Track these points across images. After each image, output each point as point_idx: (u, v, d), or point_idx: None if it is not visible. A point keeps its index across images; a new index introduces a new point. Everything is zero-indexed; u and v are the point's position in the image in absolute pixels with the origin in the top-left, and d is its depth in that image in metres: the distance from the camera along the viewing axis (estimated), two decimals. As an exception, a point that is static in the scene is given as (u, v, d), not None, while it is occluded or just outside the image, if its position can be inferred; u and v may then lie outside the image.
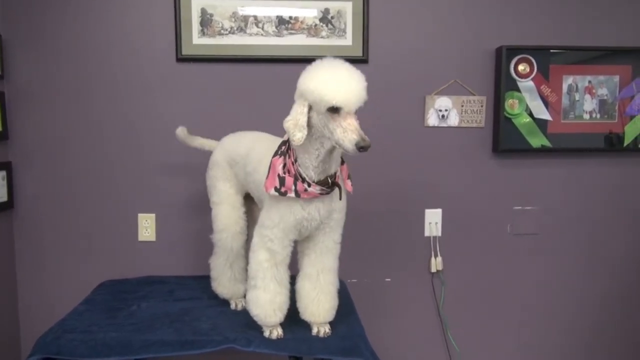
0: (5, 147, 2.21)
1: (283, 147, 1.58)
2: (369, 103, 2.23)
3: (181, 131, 2.06)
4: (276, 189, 1.54)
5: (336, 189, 1.58)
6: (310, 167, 1.52)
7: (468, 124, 2.32)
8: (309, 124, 1.47)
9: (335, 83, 1.40)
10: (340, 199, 1.60)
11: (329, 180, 1.54)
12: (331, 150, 1.51)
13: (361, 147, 1.38)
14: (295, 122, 1.45)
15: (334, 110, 1.40)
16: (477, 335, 2.43)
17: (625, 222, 2.43)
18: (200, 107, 2.24)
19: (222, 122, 2.21)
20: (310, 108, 1.46)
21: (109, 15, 2.20)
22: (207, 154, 2.22)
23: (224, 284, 1.93)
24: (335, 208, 1.62)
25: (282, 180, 1.53)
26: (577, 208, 2.40)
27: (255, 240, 1.66)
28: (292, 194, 1.53)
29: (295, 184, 1.52)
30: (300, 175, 1.53)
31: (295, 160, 1.54)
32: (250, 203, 1.94)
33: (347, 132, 1.39)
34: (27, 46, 2.19)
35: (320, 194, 1.54)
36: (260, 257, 1.63)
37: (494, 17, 2.29)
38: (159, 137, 2.25)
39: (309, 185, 1.52)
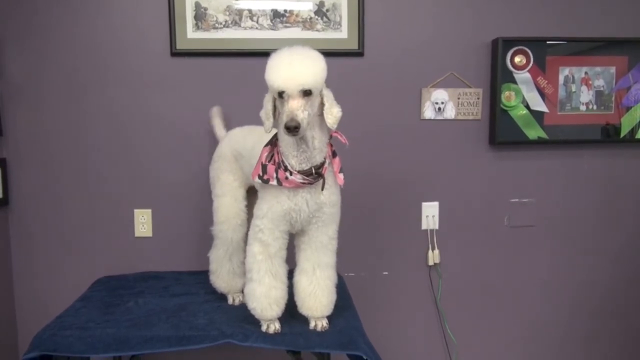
0: (0, 144, 2.21)
1: (274, 138, 1.61)
2: (365, 96, 2.26)
3: (217, 110, 2.13)
4: (259, 177, 1.57)
5: (321, 180, 1.58)
6: (290, 155, 1.55)
7: (464, 116, 2.31)
8: (280, 112, 1.53)
9: (277, 68, 1.45)
10: (322, 189, 1.59)
11: (313, 171, 1.55)
12: (303, 138, 1.52)
13: (287, 128, 1.40)
14: (265, 112, 1.55)
15: (281, 94, 1.45)
16: (474, 327, 2.44)
17: (622, 213, 2.43)
18: (196, 101, 2.23)
19: (217, 116, 2.21)
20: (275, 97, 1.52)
21: (102, 11, 2.18)
22: (202, 150, 2.23)
23: (222, 276, 1.93)
24: (325, 202, 1.61)
25: (264, 168, 1.57)
26: (574, 200, 2.40)
27: (249, 233, 1.67)
28: (274, 182, 1.55)
29: (276, 172, 1.55)
30: (283, 164, 1.55)
31: (280, 149, 1.58)
32: (252, 197, 1.95)
33: (285, 115, 1.43)
34: (20, 43, 2.18)
35: (303, 183, 1.54)
36: (254, 249, 1.64)
37: (490, 9, 2.28)
38: (155, 132, 2.25)
39: (291, 173, 1.54)
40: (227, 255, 1.91)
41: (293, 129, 1.40)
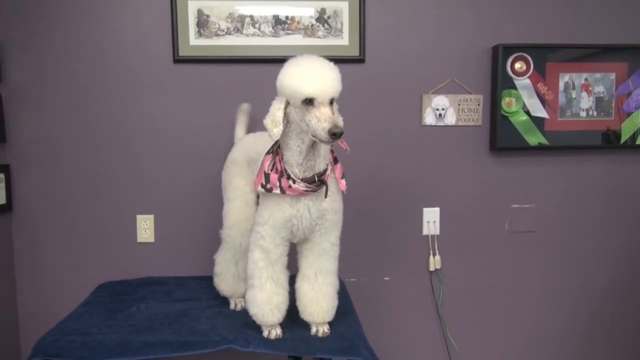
0: (3, 150, 2.21)
1: (275, 146, 1.61)
2: (366, 102, 2.28)
3: (247, 107, 2.12)
4: (262, 186, 1.57)
5: (324, 187, 1.59)
6: (294, 164, 1.55)
7: (465, 122, 2.32)
8: (289, 120, 1.52)
9: (307, 75, 1.44)
10: (325, 197, 1.60)
11: (316, 178, 1.55)
12: (313, 146, 1.54)
13: (333, 134, 1.39)
14: (273, 119, 1.50)
15: (309, 101, 1.44)
16: (476, 332, 2.43)
17: (622, 219, 2.43)
18: (198, 108, 2.24)
19: (219, 122, 2.22)
20: (287, 104, 1.51)
21: (105, 18, 2.20)
22: (205, 156, 2.24)
23: (227, 280, 1.93)
24: (328, 208, 1.62)
25: (267, 177, 1.57)
26: (575, 205, 2.40)
27: (251, 239, 1.68)
28: (277, 191, 1.55)
29: (280, 181, 1.55)
30: (286, 172, 1.55)
31: (282, 158, 1.57)
32: None
33: (321, 121, 1.41)
34: (23, 49, 2.19)
35: (306, 190, 1.55)
36: (255, 255, 1.64)
37: (490, 16, 2.29)
38: (157, 138, 2.25)
39: (294, 182, 1.54)
40: (234, 259, 1.91)
41: (340, 135, 1.40)
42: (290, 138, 1.54)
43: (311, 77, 1.43)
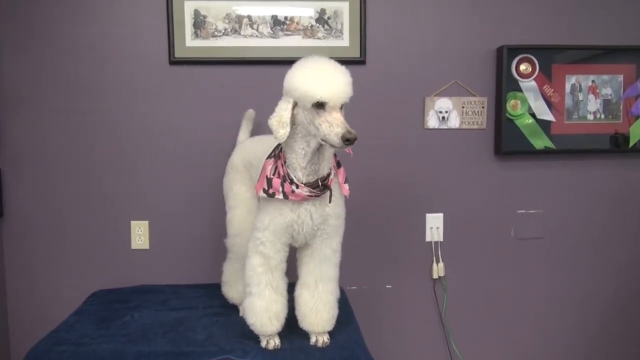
0: (-6, 154, 2.19)
1: (277, 150, 1.58)
2: (367, 105, 2.24)
3: (251, 113, 2.09)
4: (264, 191, 1.54)
5: (328, 192, 1.56)
6: (298, 167, 1.52)
7: (469, 125, 2.28)
8: (295, 122, 1.48)
9: (320, 78, 1.41)
10: (329, 201, 1.57)
11: (319, 183, 1.52)
12: (318, 150, 1.51)
13: (347, 140, 1.37)
14: (279, 119, 1.46)
15: (319, 105, 1.40)
16: (481, 342, 2.39)
17: (631, 225, 2.39)
18: (194, 110, 2.21)
19: (216, 125, 2.19)
20: (295, 105, 1.47)
21: (100, 19, 2.16)
22: (200, 160, 2.21)
23: (237, 288, 1.90)
24: (330, 213, 1.59)
25: (269, 182, 1.54)
26: (582, 211, 2.37)
27: (250, 244, 1.64)
28: (280, 196, 1.52)
29: (282, 185, 1.52)
30: (289, 177, 1.52)
31: (285, 162, 1.54)
32: None
33: (333, 126, 1.39)
34: (16, 51, 2.16)
35: (309, 195, 1.52)
36: (254, 262, 1.61)
37: (495, 17, 2.26)
38: (152, 142, 2.22)
39: (297, 186, 1.50)
40: (242, 269, 1.86)
41: (353, 140, 1.37)
42: (295, 140, 1.50)
43: (324, 81, 1.40)
